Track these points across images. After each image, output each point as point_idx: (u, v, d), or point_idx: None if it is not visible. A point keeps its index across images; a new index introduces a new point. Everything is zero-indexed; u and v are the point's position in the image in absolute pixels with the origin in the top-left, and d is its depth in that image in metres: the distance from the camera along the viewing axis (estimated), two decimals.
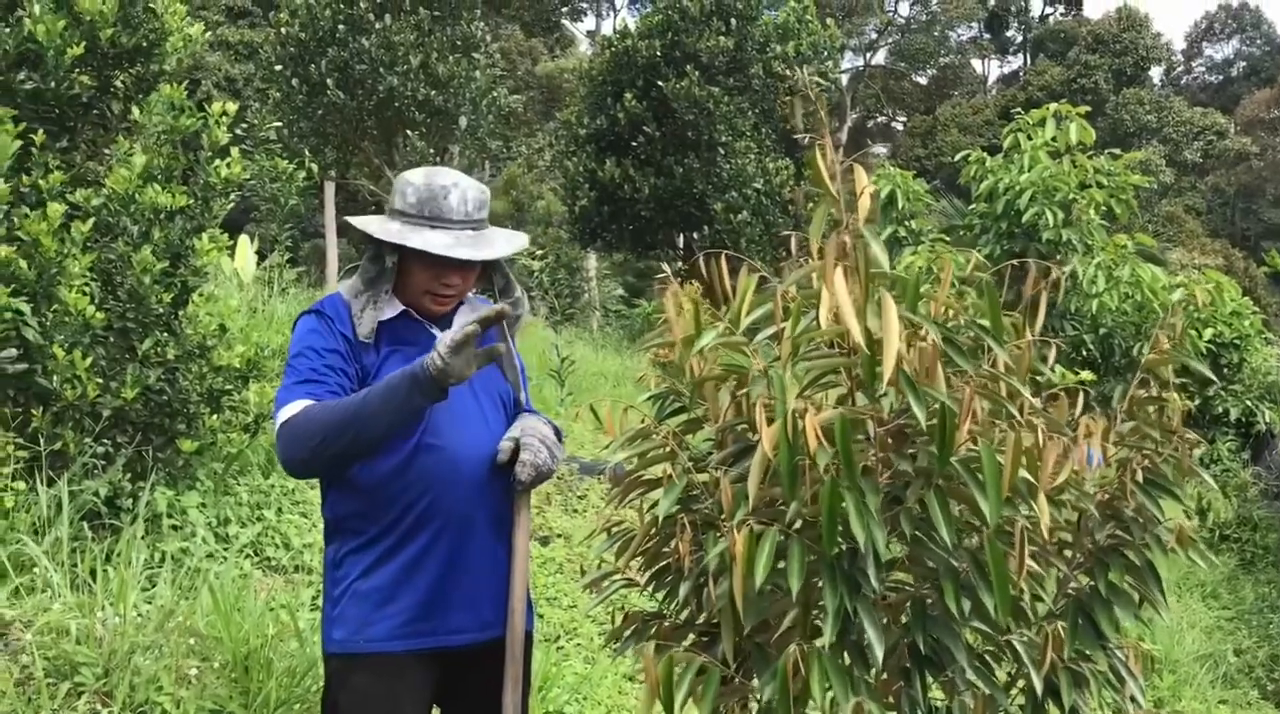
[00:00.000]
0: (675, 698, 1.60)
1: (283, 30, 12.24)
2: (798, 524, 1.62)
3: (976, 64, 48.66)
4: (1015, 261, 2.12)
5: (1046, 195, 7.91)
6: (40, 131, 3.60)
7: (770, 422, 1.53)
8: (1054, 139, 8.08)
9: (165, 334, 3.91)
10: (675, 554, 1.74)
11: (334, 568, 2.06)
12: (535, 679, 3.46)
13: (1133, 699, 1.82)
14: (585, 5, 41.26)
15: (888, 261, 1.60)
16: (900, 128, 44.76)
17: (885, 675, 1.72)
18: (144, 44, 4.02)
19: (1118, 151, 8.48)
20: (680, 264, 16.76)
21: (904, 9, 44.20)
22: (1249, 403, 9.62)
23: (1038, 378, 1.84)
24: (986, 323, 1.67)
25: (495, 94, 13.23)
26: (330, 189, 13.51)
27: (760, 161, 16.33)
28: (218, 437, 4.22)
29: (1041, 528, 1.60)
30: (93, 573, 3.24)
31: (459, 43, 12.68)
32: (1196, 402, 9.25)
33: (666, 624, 1.90)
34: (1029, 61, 45.08)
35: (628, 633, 1.92)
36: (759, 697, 1.65)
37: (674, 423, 1.89)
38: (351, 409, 1.90)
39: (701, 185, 15.82)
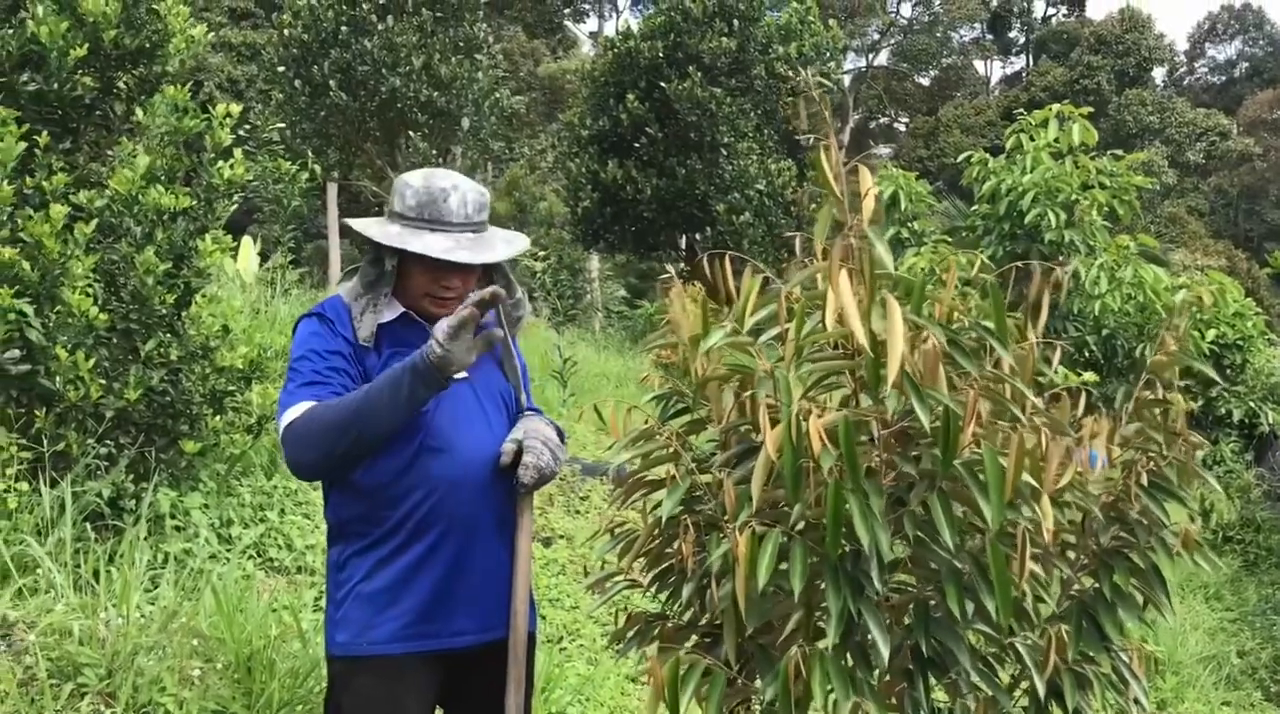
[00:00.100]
0: (681, 699, 1.60)
1: (285, 32, 12.25)
2: (800, 526, 1.62)
3: (979, 65, 48.68)
4: (1019, 263, 2.12)
5: (1049, 196, 7.90)
6: (45, 133, 3.61)
7: (774, 423, 1.53)
8: (1056, 140, 8.07)
9: (168, 335, 3.92)
10: (678, 555, 1.74)
11: (337, 570, 2.06)
12: (538, 680, 3.46)
13: (1136, 702, 1.82)
14: (587, 6, 41.28)
15: (892, 263, 1.60)
16: (902, 129, 44.76)
17: (888, 677, 1.71)
18: (147, 45, 4.02)
19: (1120, 152, 8.46)
20: (682, 265, 16.76)
21: (906, 10, 44.33)
22: (1252, 404, 9.60)
23: (1039, 379, 1.84)
24: (990, 324, 1.67)
25: (498, 95, 13.24)
26: (333, 190, 13.54)
27: (762, 163, 16.32)
28: (220, 438, 4.22)
29: (1044, 531, 1.60)
30: (96, 574, 3.24)
31: (461, 44, 12.69)
32: (1199, 403, 9.23)
33: (669, 625, 1.90)
34: (1031, 62, 45.07)
35: (630, 634, 1.92)
36: (761, 698, 1.65)
37: (677, 424, 1.89)
38: (354, 406, 1.90)
39: (704, 186, 15.81)
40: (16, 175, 3.53)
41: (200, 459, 4.16)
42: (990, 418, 1.66)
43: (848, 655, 1.62)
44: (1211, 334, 9.26)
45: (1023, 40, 47.67)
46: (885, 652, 1.54)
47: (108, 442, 3.76)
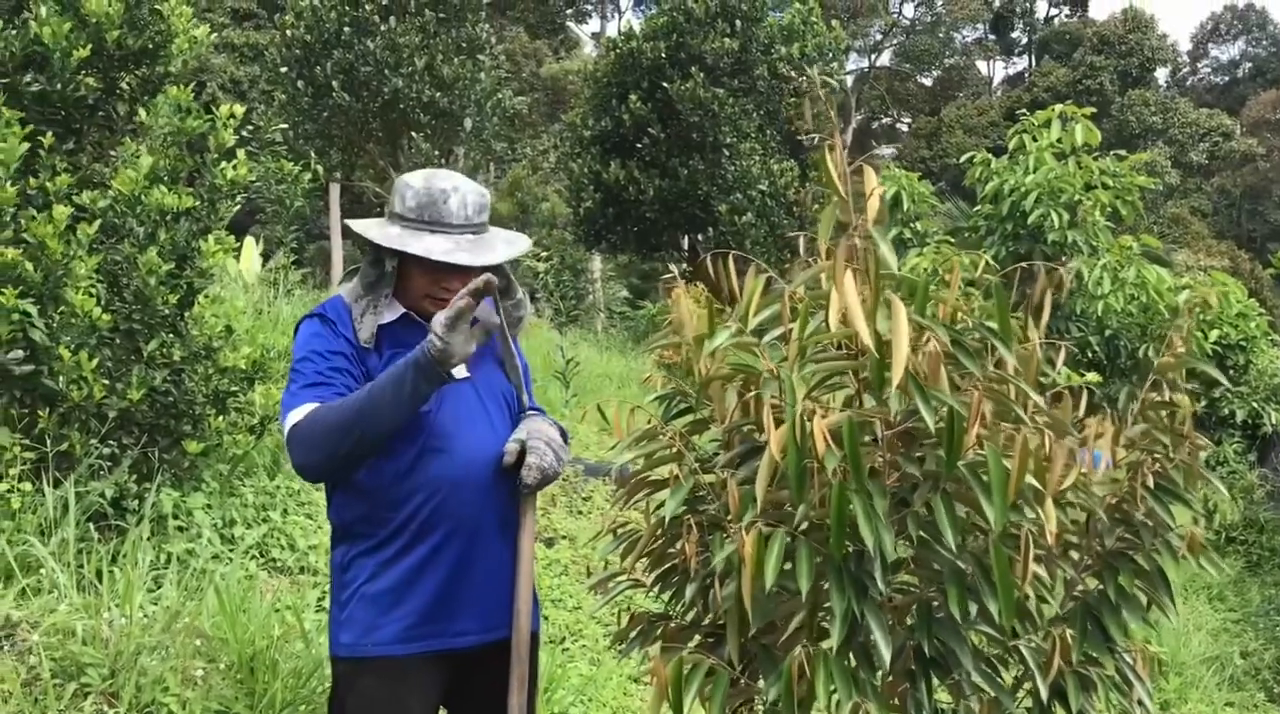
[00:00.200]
0: (684, 699, 1.60)
1: (288, 32, 12.26)
2: (804, 526, 1.62)
3: (981, 65, 48.63)
4: (1023, 264, 2.12)
5: (1052, 197, 7.89)
6: (48, 134, 3.61)
7: (779, 424, 1.52)
8: (1059, 140, 8.06)
9: (171, 335, 3.92)
10: (681, 555, 1.74)
11: (341, 571, 2.06)
12: (541, 680, 3.46)
13: (1140, 703, 1.82)
14: (590, 7, 41.28)
15: (896, 264, 1.60)
16: (905, 129, 44.74)
17: (891, 678, 1.71)
18: (150, 46, 4.02)
19: (1123, 153, 8.46)
20: (685, 266, 16.76)
21: (909, 10, 44.21)
22: (1255, 405, 9.60)
23: (1041, 380, 1.84)
24: (994, 325, 1.67)
25: (500, 96, 13.24)
26: (335, 191, 13.56)
27: (765, 163, 16.32)
28: (223, 438, 4.22)
29: (1047, 533, 1.60)
30: (99, 574, 3.24)
31: (464, 45, 12.69)
32: (1202, 403, 9.22)
33: (672, 626, 1.89)
34: (1034, 63, 45.04)
35: (633, 634, 1.92)
36: (765, 698, 1.65)
37: (680, 424, 1.89)
38: (357, 406, 1.90)
39: (706, 187, 15.81)
40: (20, 176, 3.53)
41: (203, 459, 4.16)
42: (994, 419, 1.66)
43: (851, 656, 1.62)
44: (1214, 335, 9.26)
45: (1025, 41, 47.64)
46: (887, 654, 1.53)
47: (111, 442, 3.76)
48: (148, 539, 3.60)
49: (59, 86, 3.73)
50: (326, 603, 3.88)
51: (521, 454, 2.03)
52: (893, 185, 9.56)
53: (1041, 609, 1.77)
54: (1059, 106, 8.27)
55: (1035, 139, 8.20)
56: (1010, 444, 1.56)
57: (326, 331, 2.04)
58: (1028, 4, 46.45)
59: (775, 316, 1.69)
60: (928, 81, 45.69)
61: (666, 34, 16.07)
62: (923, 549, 1.67)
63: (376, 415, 1.89)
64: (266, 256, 11.16)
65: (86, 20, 3.79)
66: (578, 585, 5.01)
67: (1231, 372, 9.50)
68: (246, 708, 2.95)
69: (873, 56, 43.86)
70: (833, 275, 1.53)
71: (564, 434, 2.14)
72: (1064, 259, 7.78)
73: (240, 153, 4.08)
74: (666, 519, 1.73)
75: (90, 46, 3.75)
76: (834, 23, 20.25)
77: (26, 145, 3.49)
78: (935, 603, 1.66)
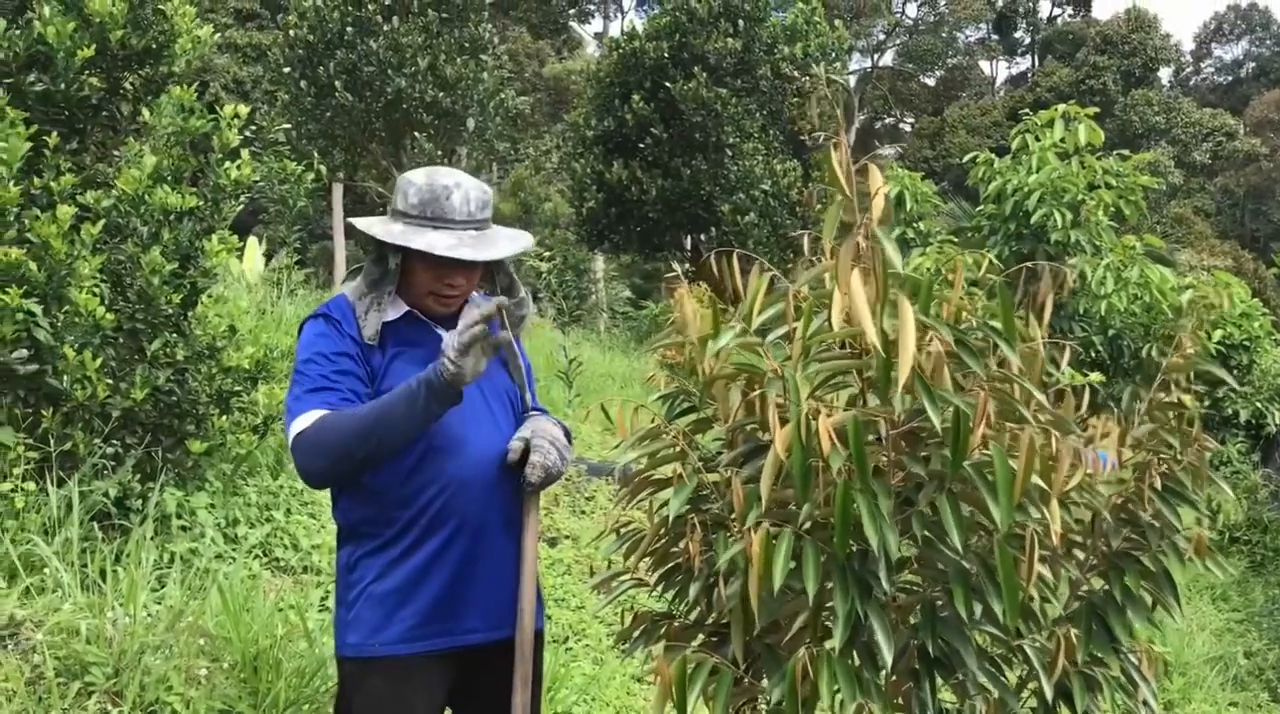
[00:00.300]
0: (688, 698, 1.60)
1: (291, 33, 12.27)
2: (808, 525, 1.62)
3: (984, 65, 48.58)
4: (1028, 264, 2.12)
5: (1055, 196, 7.88)
6: (52, 134, 3.61)
7: (783, 423, 1.52)
8: (1062, 140, 8.04)
9: (174, 335, 3.92)
10: (685, 554, 1.74)
11: (347, 571, 2.06)
12: (544, 680, 3.46)
13: (1145, 704, 1.81)
14: (593, 7, 41.29)
15: (901, 263, 1.60)
16: (908, 129, 44.71)
17: (895, 678, 1.71)
18: (153, 46, 4.03)
19: (1126, 153, 8.44)
20: (688, 266, 16.75)
21: (911, 10, 44.16)
22: (1259, 405, 9.58)
23: (1044, 380, 1.83)
24: (998, 325, 1.66)
25: (503, 96, 13.24)
26: (338, 191, 13.56)
27: (768, 163, 16.31)
28: (227, 438, 4.22)
29: (1053, 533, 1.59)
30: (102, 573, 3.25)
31: (467, 45, 12.70)
32: (1206, 403, 9.21)
33: (676, 625, 1.89)
34: (1037, 63, 44.99)
35: (637, 633, 1.92)
36: (768, 697, 1.65)
37: (683, 423, 1.89)
38: (369, 420, 1.90)
39: (709, 187, 15.81)
40: (24, 176, 3.53)
41: (206, 459, 4.17)
42: (998, 419, 1.66)
43: (854, 655, 1.62)
44: (1218, 334, 9.24)
45: (1028, 41, 47.58)
46: (889, 655, 1.53)
47: (114, 441, 3.76)
48: (151, 538, 3.61)
49: (63, 86, 3.73)
50: (330, 602, 3.89)
51: (525, 452, 2.03)
52: (896, 185, 9.55)
53: (1046, 609, 1.77)
54: (1062, 106, 8.25)
55: (1038, 139, 8.19)
56: (1015, 444, 1.55)
57: (331, 331, 2.04)
58: (1031, 4, 46.39)
59: (779, 316, 1.69)
60: (931, 81, 45.65)
61: (669, 34, 16.07)
62: (927, 549, 1.67)
63: (389, 430, 1.90)
64: (269, 256, 11.17)
65: (90, 20, 3.79)
66: (581, 585, 5.01)
67: (1235, 371, 9.48)
68: (250, 707, 2.95)
69: (875, 56, 43.84)
70: (837, 275, 1.53)
71: (567, 433, 2.14)
72: (1067, 259, 7.77)
73: (244, 153, 4.08)
74: (670, 518, 1.73)
75: (94, 46, 3.75)
76: (837, 23, 20.24)
77: (30, 145, 3.49)
78: (939, 602, 1.66)
